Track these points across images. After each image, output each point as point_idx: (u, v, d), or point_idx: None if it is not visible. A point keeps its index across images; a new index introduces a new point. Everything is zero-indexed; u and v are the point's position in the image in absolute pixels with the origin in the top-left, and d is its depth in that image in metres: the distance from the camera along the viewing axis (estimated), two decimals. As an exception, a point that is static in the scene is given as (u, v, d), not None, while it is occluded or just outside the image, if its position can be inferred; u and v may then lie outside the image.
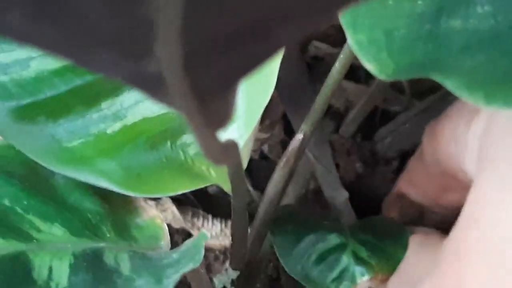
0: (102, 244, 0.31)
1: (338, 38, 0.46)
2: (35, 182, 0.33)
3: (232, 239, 0.35)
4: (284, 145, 0.45)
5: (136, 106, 0.34)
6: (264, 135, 0.45)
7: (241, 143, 0.33)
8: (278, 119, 0.45)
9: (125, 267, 0.29)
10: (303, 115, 0.36)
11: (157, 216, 0.34)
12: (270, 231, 0.36)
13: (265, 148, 0.46)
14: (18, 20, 0.14)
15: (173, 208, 0.43)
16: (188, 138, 0.34)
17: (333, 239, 0.35)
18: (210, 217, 0.44)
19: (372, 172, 0.45)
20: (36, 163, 0.32)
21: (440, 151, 0.36)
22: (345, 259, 0.34)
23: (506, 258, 0.27)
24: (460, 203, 0.31)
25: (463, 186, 0.32)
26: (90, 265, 0.29)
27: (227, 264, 0.39)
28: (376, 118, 0.46)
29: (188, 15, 0.14)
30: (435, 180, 0.38)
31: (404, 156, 0.44)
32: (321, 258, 0.34)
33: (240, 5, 0.14)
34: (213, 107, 0.19)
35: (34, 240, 0.30)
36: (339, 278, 0.33)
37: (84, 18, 0.14)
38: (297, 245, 0.35)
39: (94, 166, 0.32)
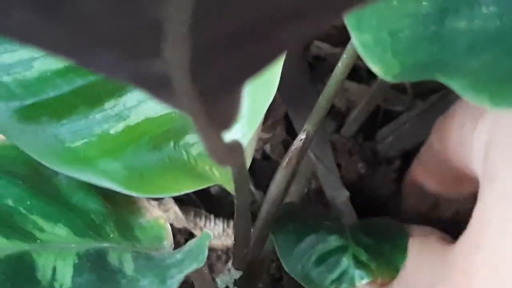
0: (105, 244, 0.31)
1: (339, 38, 0.46)
2: (39, 182, 0.33)
3: (235, 239, 0.35)
4: (286, 145, 0.45)
5: (139, 106, 0.34)
6: (266, 135, 0.44)
7: (244, 142, 0.33)
8: (280, 119, 0.45)
9: (129, 267, 0.29)
10: (305, 115, 0.36)
11: (161, 217, 0.34)
12: (271, 230, 0.36)
13: (267, 148, 0.46)
14: (25, 20, 0.14)
15: (175, 208, 0.43)
16: (191, 138, 0.34)
17: (334, 241, 0.35)
18: (212, 217, 0.44)
19: (374, 172, 0.45)
20: (39, 163, 0.32)
21: (448, 149, 0.36)
22: (345, 262, 0.34)
23: None
24: (473, 193, 0.31)
25: (474, 178, 0.32)
26: (94, 265, 0.29)
27: (229, 264, 0.39)
28: (378, 118, 0.46)
29: (197, 16, 0.14)
30: (447, 170, 0.38)
31: (406, 156, 0.44)
32: (321, 259, 0.34)
33: (249, 6, 0.14)
34: (219, 107, 0.19)
35: (38, 240, 0.30)
36: (338, 280, 0.33)
37: (91, 18, 0.14)
38: (297, 245, 0.35)
39: (97, 166, 0.32)
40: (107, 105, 0.33)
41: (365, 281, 0.33)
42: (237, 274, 0.37)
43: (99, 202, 0.33)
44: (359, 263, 0.34)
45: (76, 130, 0.33)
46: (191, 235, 0.43)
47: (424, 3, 0.27)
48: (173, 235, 0.34)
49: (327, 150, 0.43)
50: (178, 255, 0.30)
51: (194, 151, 0.34)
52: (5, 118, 0.32)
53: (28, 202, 0.31)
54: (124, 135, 0.33)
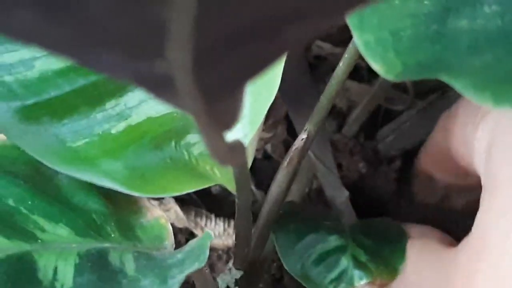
0: (106, 244, 0.31)
1: (340, 38, 0.46)
2: (40, 182, 0.33)
3: (236, 239, 0.35)
4: (287, 144, 0.45)
5: (140, 106, 0.34)
6: (267, 135, 0.44)
7: (245, 142, 0.33)
8: (281, 119, 0.45)
9: (130, 267, 0.29)
10: (305, 114, 0.36)
11: (161, 216, 0.34)
12: (272, 229, 0.36)
13: (268, 147, 0.46)
14: (28, 20, 0.14)
15: (176, 208, 0.43)
16: (192, 138, 0.34)
17: (334, 241, 0.35)
18: (213, 216, 0.44)
19: (375, 172, 0.45)
20: (40, 163, 0.32)
21: (451, 148, 0.36)
22: (345, 262, 0.34)
23: None
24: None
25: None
26: (95, 265, 0.29)
27: (230, 263, 0.39)
28: (379, 118, 0.46)
29: (200, 16, 0.14)
30: (452, 164, 0.38)
31: (407, 155, 0.44)
32: (321, 258, 0.34)
33: (252, 7, 0.14)
34: (221, 107, 0.19)
35: (39, 240, 0.30)
36: (337, 280, 0.34)
37: (94, 18, 0.14)
38: (297, 243, 0.35)
39: (98, 166, 0.32)
40: (108, 104, 0.33)
41: (364, 281, 0.33)
42: (238, 274, 0.37)
43: (100, 202, 0.33)
44: (358, 264, 0.34)
45: (77, 130, 0.33)
46: (192, 235, 0.43)
47: (425, 2, 0.27)
48: (174, 234, 0.34)
49: (327, 150, 0.43)
50: (179, 255, 0.30)
51: (196, 150, 0.34)
52: (7, 118, 0.32)
53: (29, 202, 0.31)
54: (125, 135, 0.33)
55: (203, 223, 0.43)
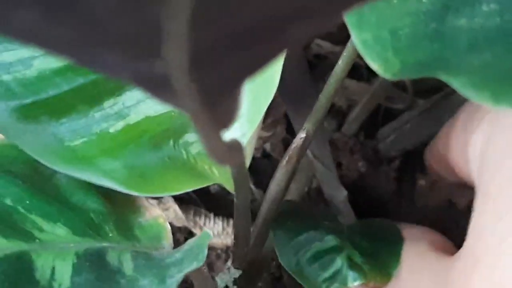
0: (105, 244, 0.31)
1: (340, 36, 0.46)
2: (38, 181, 0.33)
3: (235, 238, 0.35)
4: (286, 143, 0.45)
5: (138, 105, 0.34)
6: (266, 134, 0.44)
7: (244, 141, 0.33)
8: (280, 118, 0.45)
9: (128, 267, 0.29)
10: (304, 113, 0.36)
11: (160, 216, 0.34)
12: (271, 227, 0.36)
13: (267, 146, 0.45)
14: (27, 20, 0.14)
15: (175, 207, 0.43)
16: (190, 137, 0.34)
17: (330, 241, 0.35)
18: (212, 215, 0.44)
19: (375, 171, 0.44)
20: (39, 162, 0.31)
21: (450, 158, 0.36)
22: (339, 262, 0.34)
23: None
24: None
25: None
26: (93, 265, 0.29)
27: (229, 263, 0.39)
28: (379, 117, 0.46)
29: (196, 16, 0.14)
30: (453, 171, 0.38)
31: (407, 155, 0.44)
32: (317, 256, 0.34)
33: (249, 7, 0.14)
34: (219, 107, 0.19)
35: (37, 240, 0.30)
36: (331, 279, 0.34)
37: (95, 17, 0.14)
38: (294, 239, 0.35)
39: (97, 165, 0.32)
40: (107, 104, 0.33)
41: (357, 283, 0.33)
42: (236, 273, 0.37)
43: (98, 201, 0.33)
44: (353, 265, 0.34)
45: (76, 129, 0.33)
46: (191, 234, 0.43)
47: (424, 0, 0.27)
48: (173, 233, 0.34)
49: (326, 149, 0.43)
50: (178, 254, 0.30)
51: (194, 150, 0.34)
52: (5, 117, 0.32)
53: (27, 202, 0.31)
54: (124, 134, 0.33)
55: (202, 222, 0.43)
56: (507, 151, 0.29)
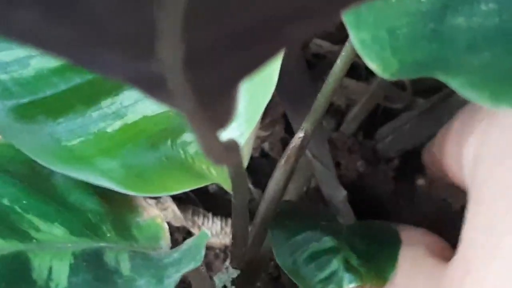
0: (102, 244, 0.31)
1: (338, 36, 0.46)
2: (35, 181, 0.32)
3: (233, 238, 0.35)
4: (285, 143, 0.45)
5: (136, 105, 0.34)
6: (264, 133, 0.44)
7: (242, 141, 0.33)
8: (279, 117, 0.44)
9: (126, 267, 0.29)
10: (303, 113, 0.36)
11: (158, 216, 0.34)
12: (269, 227, 0.36)
13: (266, 146, 0.45)
14: (27, 20, 0.14)
15: (173, 207, 0.42)
16: (188, 136, 0.34)
17: (328, 242, 0.35)
18: (210, 215, 0.44)
19: (374, 171, 0.44)
20: (36, 162, 0.31)
21: (445, 163, 0.36)
22: (336, 263, 0.34)
23: None
24: None
25: None
26: (90, 265, 0.29)
27: (227, 262, 0.38)
28: (378, 116, 0.45)
29: (190, 15, 0.14)
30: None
31: (406, 155, 0.44)
32: (313, 257, 0.34)
33: (245, 6, 0.14)
34: (215, 107, 0.19)
35: (34, 240, 0.30)
36: (326, 280, 0.33)
37: (92, 18, 0.14)
38: (292, 239, 0.35)
39: (94, 165, 0.32)
40: (104, 103, 0.33)
41: (353, 285, 0.33)
42: (234, 273, 0.37)
43: (96, 201, 0.33)
44: (349, 267, 0.34)
45: (73, 129, 0.32)
46: (189, 234, 0.43)
47: (423, 0, 0.27)
48: (171, 233, 0.34)
49: (325, 149, 0.43)
50: (176, 254, 0.30)
51: (191, 149, 0.34)
52: (2, 116, 0.32)
53: (24, 202, 0.31)
54: (121, 133, 0.33)
55: (200, 221, 0.43)
56: (499, 157, 0.29)
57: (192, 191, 0.43)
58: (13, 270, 0.28)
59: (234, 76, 0.18)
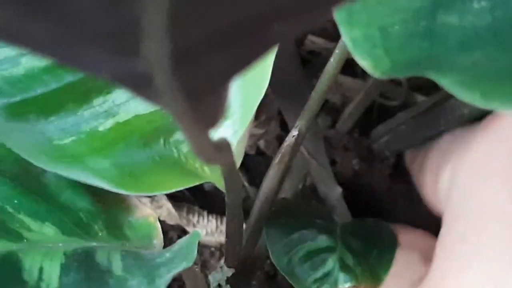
0: (94, 244, 0.30)
1: (334, 33, 0.45)
2: (26, 180, 0.32)
3: (227, 237, 0.35)
4: (281, 140, 0.44)
5: (128, 103, 0.33)
6: (260, 131, 0.44)
7: (235, 139, 0.32)
8: (274, 115, 0.44)
9: (118, 266, 0.29)
10: (298, 111, 0.36)
11: (150, 215, 0.34)
12: (264, 225, 0.36)
13: (261, 143, 0.45)
14: (8, 16, 0.13)
15: (168, 205, 0.42)
16: (181, 135, 0.34)
17: (323, 241, 0.35)
18: (205, 213, 0.44)
19: (369, 169, 0.44)
20: (27, 161, 0.31)
21: (424, 186, 0.37)
22: (331, 263, 0.34)
23: None
24: None
25: None
26: (82, 265, 0.29)
27: (222, 261, 0.38)
28: (374, 114, 0.45)
29: (175, 12, 0.13)
30: None
31: (402, 155, 0.44)
32: (308, 256, 0.34)
33: (231, 3, 0.14)
34: (204, 106, 0.19)
35: (25, 240, 0.30)
36: (321, 280, 0.33)
37: (72, 16, 0.13)
38: (287, 237, 0.35)
39: (86, 164, 0.32)
40: (96, 102, 0.33)
41: (348, 285, 0.33)
42: (229, 272, 0.37)
43: (87, 200, 0.33)
44: (344, 267, 0.34)
45: (64, 128, 0.32)
46: (184, 232, 0.43)
47: (415, -3, 0.27)
48: (166, 231, 0.34)
49: (320, 146, 0.43)
50: (168, 254, 0.30)
51: (184, 148, 0.34)
52: (-8, 115, 0.31)
53: (16, 201, 0.31)
54: (113, 132, 0.33)
55: (195, 220, 0.43)
56: (475, 178, 0.30)
57: (187, 189, 0.43)
58: (4, 270, 0.28)
59: (222, 75, 0.17)
